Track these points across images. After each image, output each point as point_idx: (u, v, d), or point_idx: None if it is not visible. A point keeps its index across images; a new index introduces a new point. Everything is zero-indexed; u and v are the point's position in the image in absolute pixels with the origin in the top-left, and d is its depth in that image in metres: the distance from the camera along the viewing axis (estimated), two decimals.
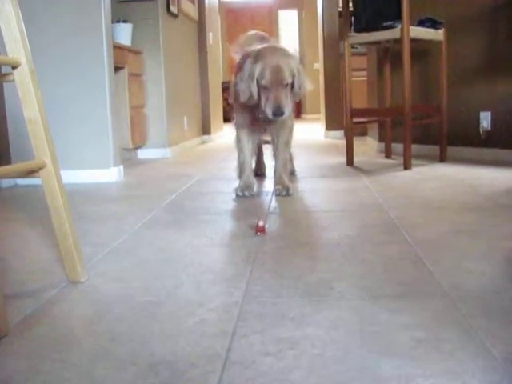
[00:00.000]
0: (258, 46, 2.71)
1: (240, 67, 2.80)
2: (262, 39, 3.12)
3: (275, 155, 3.04)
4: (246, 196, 2.88)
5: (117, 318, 1.35)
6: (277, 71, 2.50)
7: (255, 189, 3.04)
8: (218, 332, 1.25)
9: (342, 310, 1.35)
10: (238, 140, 3.00)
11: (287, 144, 3.01)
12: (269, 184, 3.32)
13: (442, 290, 1.45)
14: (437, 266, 1.65)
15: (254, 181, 3.07)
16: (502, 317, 1.27)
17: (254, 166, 3.35)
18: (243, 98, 2.59)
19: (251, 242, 2.04)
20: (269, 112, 2.48)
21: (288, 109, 2.53)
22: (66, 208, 1.58)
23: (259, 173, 3.62)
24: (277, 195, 2.91)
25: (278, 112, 2.44)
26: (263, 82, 2.50)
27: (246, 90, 2.56)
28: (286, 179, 2.98)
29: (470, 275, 1.56)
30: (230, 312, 1.36)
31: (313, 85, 2.77)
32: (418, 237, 2.00)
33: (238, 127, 2.98)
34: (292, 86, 2.62)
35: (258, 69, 2.50)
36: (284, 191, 2.90)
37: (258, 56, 2.57)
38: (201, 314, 1.35)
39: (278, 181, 2.99)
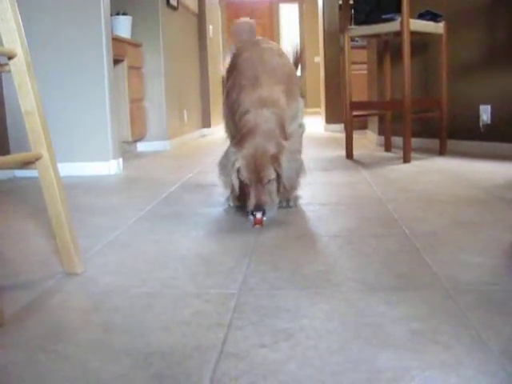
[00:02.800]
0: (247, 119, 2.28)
1: (230, 68, 2.60)
2: (251, 30, 2.94)
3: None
4: (238, 206, 2.50)
5: (112, 310, 1.35)
6: (256, 169, 2.15)
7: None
8: (213, 324, 1.24)
9: (338, 302, 1.35)
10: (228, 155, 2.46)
11: (297, 152, 2.53)
12: None
13: (439, 283, 1.45)
14: (434, 259, 1.65)
15: None
16: (499, 309, 1.27)
17: None
18: (225, 188, 2.32)
19: (248, 234, 2.03)
20: (249, 208, 2.17)
21: (271, 202, 2.19)
22: (63, 200, 1.58)
23: None
24: (278, 206, 2.42)
25: (258, 209, 2.13)
26: (242, 179, 2.19)
27: (228, 182, 2.25)
28: (294, 192, 2.55)
29: (467, 268, 1.56)
30: (226, 304, 1.36)
31: (305, 173, 2.38)
32: (416, 230, 2.00)
33: (232, 136, 2.60)
34: (279, 176, 2.22)
35: (237, 164, 2.18)
36: (284, 202, 2.52)
37: (239, 143, 2.21)
38: (197, 306, 1.35)
39: (286, 188, 2.52)
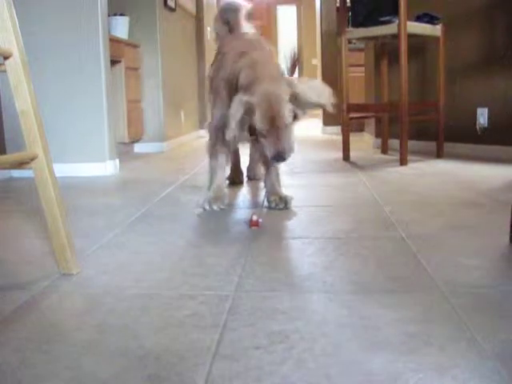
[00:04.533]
0: (246, 68, 2.22)
1: (218, 60, 2.53)
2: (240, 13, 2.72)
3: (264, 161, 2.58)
4: (215, 210, 2.45)
5: (107, 311, 1.35)
6: (273, 117, 2.05)
7: (227, 200, 2.56)
8: (208, 325, 1.24)
9: (334, 304, 1.35)
10: (212, 144, 2.55)
11: (291, 149, 2.46)
12: (244, 193, 3.00)
13: (434, 285, 1.45)
14: (430, 261, 1.65)
15: (226, 191, 2.63)
16: (495, 312, 1.26)
17: (228, 172, 3.00)
18: (227, 136, 2.14)
19: (244, 235, 2.03)
20: (269, 156, 2.08)
21: (290, 150, 2.10)
22: (58, 200, 1.57)
23: (236, 180, 3.17)
24: (271, 208, 2.48)
25: (281, 159, 2.06)
26: (259, 127, 2.06)
27: (232, 130, 2.11)
28: (280, 189, 2.56)
29: (463, 270, 1.56)
30: (221, 305, 1.35)
31: (329, 92, 2.22)
32: (412, 232, 2.00)
33: (213, 130, 2.53)
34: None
35: (251, 111, 2.05)
36: (281, 203, 2.47)
37: (248, 90, 2.11)
38: (192, 307, 1.35)
39: (271, 191, 2.54)
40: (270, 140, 2.07)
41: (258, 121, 2.05)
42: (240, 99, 2.10)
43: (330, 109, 2.22)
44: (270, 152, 2.07)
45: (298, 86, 2.14)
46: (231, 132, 2.11)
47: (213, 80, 2.56)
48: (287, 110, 2.08)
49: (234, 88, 2.27)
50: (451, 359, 1.05)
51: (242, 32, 2.68)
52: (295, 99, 2.11)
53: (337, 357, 1.07)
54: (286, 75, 2.40)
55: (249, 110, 2.07)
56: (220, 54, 2.58)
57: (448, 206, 2.42)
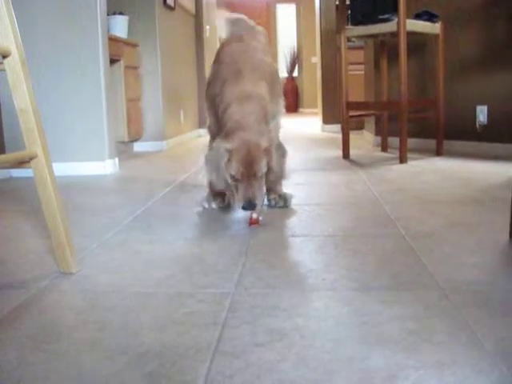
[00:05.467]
0: (232, 115, 2.21)
1: (214, 68, 2.53)
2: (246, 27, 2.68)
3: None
4: (214, 208, 2.46)
5: (107, 309, 1.35)
6: (250, 163, 2.08)
7: (227, 199, 2.48)
8: (208, 323, 1.24)
9: (333, 301, 1.35)
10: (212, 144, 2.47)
11: (279, 146, 2.42)
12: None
13: (434, 282, 1.45)
14: (430, 258, 1.65)
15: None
16: (494, 308, 1.26)
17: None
18: (217, 184, 2.21)
19: (244, 233, 2.03)
20: (238, 205, 2.10)
21: (260, 199, 2.13)
22: (58, 199, 1.57)
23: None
24: (271, 207, 2.48)
25: (249, 207, 2.06)
26: (232, 173, 2.09)
27: (219, 178, 2.16)
28: (280, 187, 2.54)
29: (463, 267, 1.56)
30: (221, 303, 1.35)
31: (283, 162, 2.34)
32: (412, 230, 2.00)
33: (212, 134, 2.54)
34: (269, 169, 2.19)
35: (226, 157, 2.09)
36: (281, 202, 2.48)
37: (228, 137, 2.13)
38: (192, 305, 1.35)
39: (271, 189, 2.51)
40: (241, 187, 2.09)
41: (233, 168, 2.08)
42: (219, 147, 2.13)
43: (275, 185, 2.43)
44: (239, 199, 2.09)
45: (273, 149, 2.19)
46: (218, 180, 2.17)
47: (208, 87, 2.56)
48: (263, 160, 2.11)
49: (218, 109, 2.31)
50: (451, 356, 1.05)
51: (246, 35, 2.64)
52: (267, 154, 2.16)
53: (337, 353, 1.07)
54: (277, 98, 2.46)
55: (229, 156, 2.11)
56: (217, 60, 2.54)
57: (448, 203, 2.42)
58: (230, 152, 2.09)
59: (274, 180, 2.27)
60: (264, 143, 2.13)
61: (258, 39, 2.57)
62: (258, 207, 2.11)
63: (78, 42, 3.67)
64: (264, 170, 2.13)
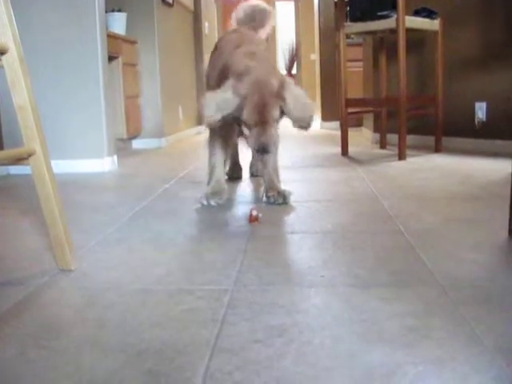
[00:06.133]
0: (242, 58, 2.20)
1: (213, 54, 2.53)
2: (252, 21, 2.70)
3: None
4: (213, 205, 2.45)
5: (106, 306, 1.34)
6: (261, 111, 2.05)
7: (226, 195, 2.55)
8: (207, 320, 1.24)
9: (332, 297, 1.34)
10: (211, 140, 2.55)
11: (275, 143, 2.39)
12: (243, 188, 2.97)
13: (433, 279, 1.45)
14: (429, 255, 1.65)
15: (225, 187, 2.58)
16: (493, 305, 1.26)
17: (227, 167, 2.90)
18: (207, 122, 2.16)
19: (243, 230, 2.03)
20: (252, 148, 2.11)
21: (274, 145, 2.12)
22: (56, 195, 1.57)
23: (235, 176, 3.17)
24: (270, 203, 2.47)
25: (263, 151, 2.06)
26: (246, 119, 2.07)
27: (216, 115, 2.10)
28: (279, 184, 2.55)
29: (462, 264, 1.56)
30: (220, 300, 1.35)
31: (314, 106, 2.29)
32: (411, 226, 1.99)
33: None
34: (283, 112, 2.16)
35: (238, 102, 2.06)
36: (280, 198, 2.46)
37: (239, 80, 2.09)
38: (190, 302, 1.35)
39: (270, 186, 2.52)
40: (255, 133, 2.07)
41: (247, 113, 2.06)
42: (233, 86, 2.08)
43: (306, 129, 2.22)
44: (253, 144, 2.08)
45: (287, 93, 2.13)
46: (212, 118, 2.11)
47: (208, 76, 2.56)
48: (276, 105, 2.09)
49: (226, 78, 2.23)
50: (450, 352, 1.05)
51: (240, 27, 2.67)
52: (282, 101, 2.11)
53: (336, 350, 1.07)
54: (281, 72, 2.40)
55: (239, 101, 2.07)
56: (215, 48, 2.58)
57: (446, 200, 2.42)
58: (242, 97, 2.06)
59: (297, 119, 2.17)
60: (276, 86, 2.09)
61: (254, 34, 2.60)
62: (272, 152, 2.12)
63: (77, 39, 3.66)
64: (277, 115, 2.10)
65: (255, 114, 2.05)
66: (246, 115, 2.06)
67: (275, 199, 2.48)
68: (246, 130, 2.12)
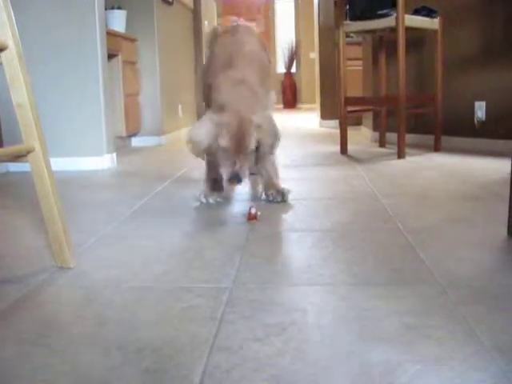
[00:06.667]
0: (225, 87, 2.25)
1: (207, 59, 2.57)
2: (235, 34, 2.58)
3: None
4: (212, 203, 2.46)
5: (105, 304, 1.34)
6: (238, 139, 2.11)
7: (224, 193, 2.56)
8: (205, 318, 1.24)
9: (331, 296, 1.34)
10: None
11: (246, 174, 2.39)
12: (242, 186, 2.85)
13: (432, 277, 1.45)
14: (428, 254, 1.65)
15: (223, 186, 2.57)
16: (492, 304, 1.26)
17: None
18: (192, 152, 2.26)
19: (242, 228, 2.03)
20: (224, 176, 2.16)
21: (246, 173, 2.17)
22: (55, 193, 1.57)
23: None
24: (269, 201, 2.47)
25: (235, 180, 2.11)
26: (223, 144, 2.12)
27: (204, 150, 2.19)
28: (277, 182, 2.54)
29: (461, 263, 1.56)
30: (219, 298, 1.35)
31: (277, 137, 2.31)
32: (410, 225, 1.99)
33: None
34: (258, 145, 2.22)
35: (217, 129, 2.11)
36: (279, 196, 2.47)
37: (220, 110, 2.16)
38: (189, 300, 1.34)
39: (268, 184, 2.52)
40: (230, 161, 2.13)
41: (225, 141, 2.11)
42: (211, 118, 2.16)
43: (269, 151, 2.31)
44: (227, 172, 2.13)
45: (263, 125, 2.21)
46: (197, 147, 2.19)
47: (203, 77, 2.58)
48: (253, 136, 2.15)
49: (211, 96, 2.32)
50: (449, 351, 1.05)
51: (241, 26, 2.64)
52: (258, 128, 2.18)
53: (334, 348, 1.07)
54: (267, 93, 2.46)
55: (218, 129, 2.13)
56: (211, 52, 2.55)
57: (446, 199, 2.42)
58: (221, 125, 2.12)
59: (261, 156, 2.28)
60: (255, 118, 2.16)
61: (252, 34, 2.57)
62: (243, 181, 2.16)
63: (76, 36, 3.66)
64: (253, 146, 2.16)
65: (233, 143, 2.11)
66: (225, 143, 2.11)
67: (274, 197, 2.48)
68: (222, 158, 2.17)
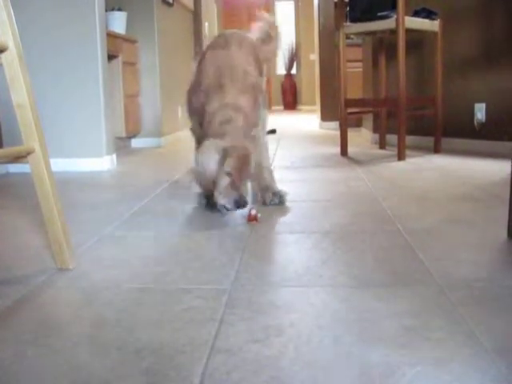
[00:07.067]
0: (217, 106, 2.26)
1: (196, 75, 2.53)
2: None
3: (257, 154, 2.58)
4: (211, 205, 2.38)
5: (104, 304, 1.34)
6: (243, 166, 2.13)
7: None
8: (205, 319, 1.24)
9: (330, 297, 1.34)
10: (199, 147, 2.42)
11: (266, 144, 2.57)
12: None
13: (432, 279, 1.45)
14: (428, 255, 1.65)
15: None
16: (492, 305, 1.26)
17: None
18: (204, 187, 2.23)
19: (242, 229, 2.03)
20: (229, 202, 2.11)
21: (246, 198, 2.18)
22: (55, 194, 1.57)
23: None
24: (266, 205, 2.46)
25: (241, 205, 2.10)
26: (227, 170, 2.10)
27: (211, 179, 2.13)
28: (274, 185, 2.53)
29: (460, 264, 1.56)
30: (218, 299, 1.35)
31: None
32: (409, 226, 1.99)
33: (197, 136, 2.57)
34: None
35: (220, 155, 2.10)
36: (276, 199, 2.47)
37: (221, 139, 2.15)
38: (188, 301, 1.34)
39: (264, 187, 2.51)
40: (233, 186, 2.12)
41: (229, 165, 2.10)
42: (214, 144, 2.14)
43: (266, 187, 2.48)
44: (230, 197, 2.11)
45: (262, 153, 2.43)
46: (207, 176, 2.14)
47: (190, 94, 2.62)
48: (252, 165, 2.19)
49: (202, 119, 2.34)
50: (448, 353, 1.05)
51: (234, 37, 2.54)
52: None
53: (334, 350, 1.07)
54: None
55: (222, 154, 2.12)
56: (201, 67, 2.50)
57: (445, 200, 2.42)
58: (224, 150, 2.11)
59: (265, 186, 2.45)
60: (252, 148, 2.19)
61: (245, 45, 2.51)
62: (249, 204, 2.18)
63: (77, 37, 3.66)
64: (252, 172, 2.22)
65: (237, 169, 2.11)
66: (229, 166, 2.10)
67: (271, 200, 2.47)
68: (224, 183, 2.14)
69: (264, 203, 2.48)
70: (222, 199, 2.14)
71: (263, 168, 2.52)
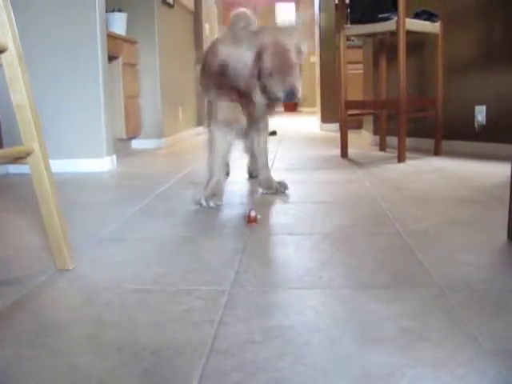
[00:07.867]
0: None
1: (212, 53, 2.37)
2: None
3: (258, 151, 2.70)
4: (212, 207, 2.43)
5: (103, 305, 1.34)
6: (285, 52, 1.99)
7: (224, 198, 2.53)
8: (204, 320, 1.23)
9: (330, 299, 1.34)
10: (212, 140, 2.50)
11: (267, 141, 2.66)
12: (241, 189, 3.03)
13: (431, 280, 1.45)
14: (428, 257, 1.64)
15: (224, 189, 2.58)
16: (491, 307, 1.26)
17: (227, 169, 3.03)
18: (236, 80, 2.06)
19: (241, 231, 2.03)
20: (280, 94, 1.98)
21: (299, 89, 2.03)
22: (54, 195, 1.57)
23: (254, 174, 3.04)
24: (276, 193, 2.64)
25: (292, 96, 1.96)
26: (269, 65, 1.98)
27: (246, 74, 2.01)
28: (274, 180, 2.69)
29: (460, 266, 1.56)
30: (218, 300, 1.35)
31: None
32: (409, 228, 1.99)
33: (214, 122, 2.47)
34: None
35: (253, 55, 1.97)
36: (282, 188, 2.69)
37: (254, 34, 2.02)
38: (188, 303, 1.34)
39: (266, 183, 2.67)
40: (279, 78, 1.98)
41: (268, 59, 1.97)
42: (249, 40, 2.00)
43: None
44: (280, 90, 1.98)
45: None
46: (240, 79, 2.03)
47: (203, 74, 2.50)
48: (294, 45, 2.04)
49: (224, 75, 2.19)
50: (448, 354, 1.04)
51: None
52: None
53: (333, 351, 1.07)
54: None
55: (257, 52, 1.99)
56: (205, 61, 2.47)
57: (445, 202, 2.42)
58: (257, 47, 1.98)
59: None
60: (291, 33, 2.05)
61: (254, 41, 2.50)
62: (298, 97, 2.03)
63: (77, 38, 3.66)
64: (297, 57, 2.03)
65: (277, 58, 1.96)
66: (268, 62, 1.96)
67: (278, 188, 2.59)
68: (270, 80, 2.01)
69: (273, 192, 2.64)
70: (273, 89, 2.00)
71: (263, 167, 2.55)
